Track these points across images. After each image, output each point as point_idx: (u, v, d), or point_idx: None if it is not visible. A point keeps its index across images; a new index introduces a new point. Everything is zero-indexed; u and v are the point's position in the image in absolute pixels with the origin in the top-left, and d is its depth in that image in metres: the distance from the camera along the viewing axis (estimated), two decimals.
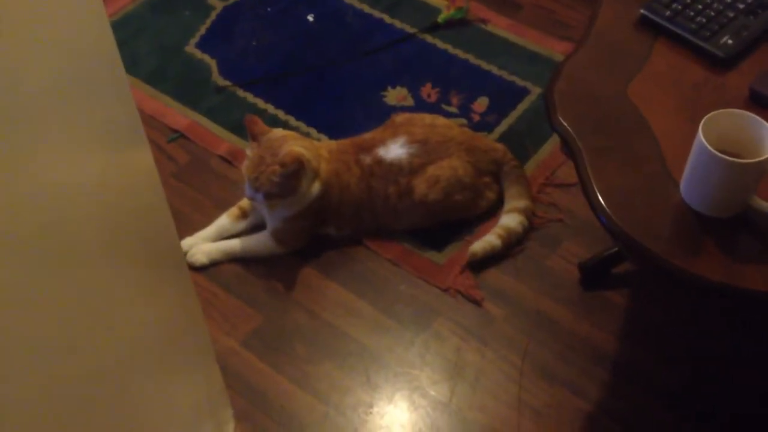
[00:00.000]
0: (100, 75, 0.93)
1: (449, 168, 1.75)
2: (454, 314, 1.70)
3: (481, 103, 2.04)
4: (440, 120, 1.86)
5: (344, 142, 1.81)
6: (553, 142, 1.94)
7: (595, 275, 1.73)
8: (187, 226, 1.82)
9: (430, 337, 1.67)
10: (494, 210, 1.83)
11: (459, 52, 2.16)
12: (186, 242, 1.78)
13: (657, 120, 1.18)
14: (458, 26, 2.22)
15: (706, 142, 1.02)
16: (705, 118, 1.04)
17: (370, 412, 1.58)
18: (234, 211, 1.81)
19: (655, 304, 1.71)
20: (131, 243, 1.05)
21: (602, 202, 1.10)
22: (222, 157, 1.96)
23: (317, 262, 1.78)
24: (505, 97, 2.06)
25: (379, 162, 1.75)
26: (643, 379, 1.60)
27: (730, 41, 1.24)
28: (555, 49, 2.15)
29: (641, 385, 1.59)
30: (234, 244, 1.78)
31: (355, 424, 1.56)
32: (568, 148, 1.19)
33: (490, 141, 1.90)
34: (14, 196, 0.74)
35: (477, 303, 1.71)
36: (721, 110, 1.05)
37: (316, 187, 1.70)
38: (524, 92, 2.06)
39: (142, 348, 1.12)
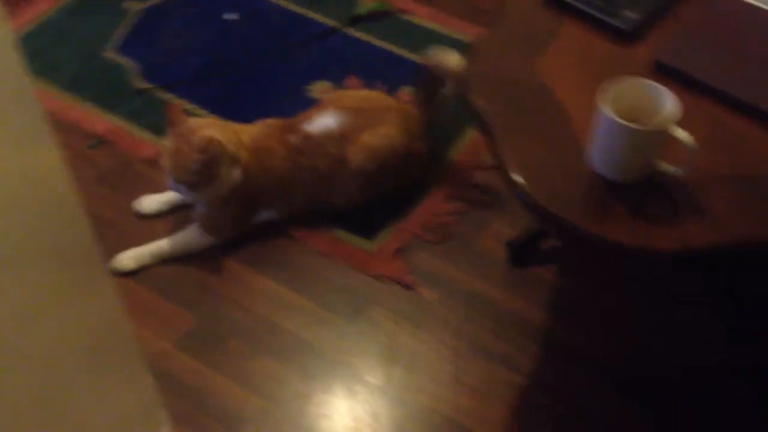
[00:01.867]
0: None
1: (384, 136, 1.75)
2: (388, 300, 1.72)
3: (406, 93, 2.06)
4: (375, 92, 1.86)
5: (269, 125, 1.79)
6: (473, 127, 1.97)
7: (523, 253, 1.76)
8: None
9: (365, 324, 1.69)
10: (424, 193, 1.86)
11: (382, 44, 2.18)
12: (146, 201, 1.83)
13: (566, 94, 1.21)
14: (380, 18, 2.24)
15: (605, 109, 1.05)
16: (602, 85, 1.07)
17: (309, 403, 1.58)
18: None
19: (581, 277, 1.75)
20: (40, 249, 1.03)
21: (516, 176, 1.13)
22: (147, 160, 1.94)
23: (248, 258, 1.78)
24: None
25: (307, 137, 1.75)
26: (573, 350, 1.64)
27: (633, 15, 1.28)
28: (474, 34, 2.18)
29: (572, 357, 1.63)
30: (162, 245, 1.76)
31: (295, 415, 1.57)
32: (481, 124, 1.21)
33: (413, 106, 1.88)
34: None
35: (409, 288, 1.73)
36: (618, 78, 1.09)
37: (236, 173, 1.69)
38: None
39: (61, 355, 1.10)
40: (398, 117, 1.80)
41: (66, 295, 1.12)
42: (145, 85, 2.08)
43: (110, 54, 2.16)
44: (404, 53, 2.15)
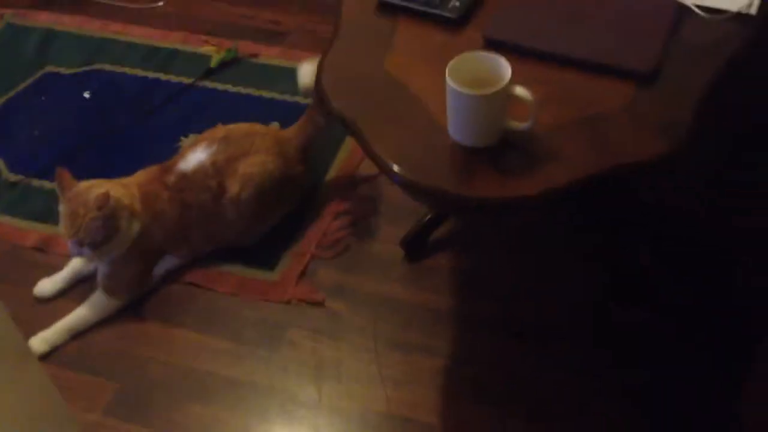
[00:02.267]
0: None
1: (259, 164, 1.82)
2: (302, 321, 1.78)
3: (273, 126, 2.14)
4: (241, 124, 1.93)
5: (149, 172, 1.84)
6: (347, 143, 2.08)
7: (415, 248, 1.86)
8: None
9: (286, 348, 1.74)
10: (314, 215, 1.94)
11: (239, 89, 2.26)
12: (44, 285, 1.83)
13: (415, 83, 1.32)
14: (232, 66, 2.33)
15: (453, 83, 1.17)
16: (449, 63, 1.19)
17: None
18: None
19: (472, 255, 1.87)
20: None
21: (389, 162, 1.23)
22: (34, 247, 1.94)
23: (156, 315, 1.81)
24: (293, 117, 2.15)
25: (183, 176, 1.80)
26: (481, 322, 1.74)
27: (457, 4, 1.41)
28: None
29: (482, 329, 1.74)
30: (69, 320, 1.77)
31: None
32: (348, 128, 1.31)
33: (291, 130, 1.96)
34: None
35: (319, 304, 1.80)
36: (460, 55, 1.21)
37: (135, 226, 1.73)
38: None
39: None
40: (269, 142, 1.87)
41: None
42: (15, 177, 2.09)
43: None
44: (263, 93, 2.25)
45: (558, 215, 1.87)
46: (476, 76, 1.20)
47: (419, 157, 1.24)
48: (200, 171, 1.80)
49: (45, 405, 1.32)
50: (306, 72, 1.89)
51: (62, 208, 1.71)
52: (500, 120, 1.22)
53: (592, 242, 1.83)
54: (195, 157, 1.82)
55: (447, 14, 1.40)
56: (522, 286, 1.80)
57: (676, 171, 1.81)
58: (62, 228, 1.70)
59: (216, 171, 1.80)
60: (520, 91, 1.18)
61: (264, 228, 1.89)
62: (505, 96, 1.19)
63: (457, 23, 1.41)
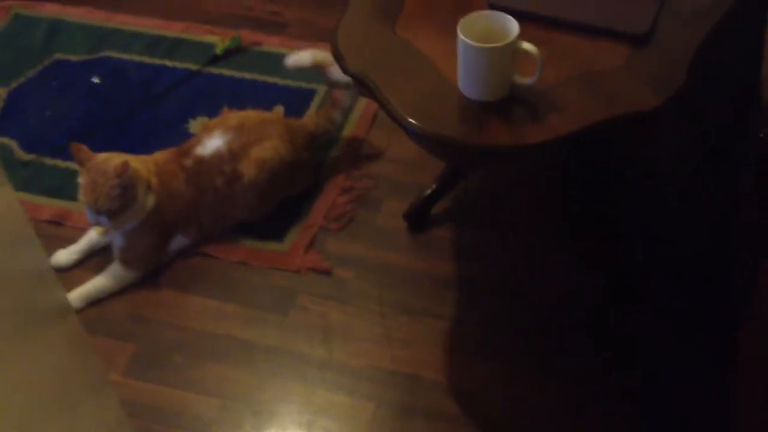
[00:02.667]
0: None
1: (272, 149, 1.90)
2: (311, 288, 1.85)
3: (278, 111, 2.22)
4: (254, 111, 2.02)
5: (167, 152, 1.92)
6: (350, 125, 2.16)
7: (418, 220, 1.95)
8: None
9: (296, 313, 1.81)
10: (320, 191, 2.01)
11: (244, 75, 2.34)
12: (61, 255, 1.88)
13: (425, 45, 1.42)
14: (236, 54, 2.40)
15: (464, 38, 1.26)
16: (460, 21, 1.28)
17: (263, 391, 1.69)
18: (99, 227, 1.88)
19: (471, 225, 1.95)
20: (9, 294, 1.10)
21: (403, 114, 1.31)
22: (50, 221, 2.01)
23: (172, 283, 1.88)
24: (296, 101, 2.26)
25: (200, 160, 1.88)
26: (482, 287, 1.83)
27: None
28: (326, 50, 2.38)
29: (484, 293, 1.82)
30: (87, 288, 1.83)
31: (252, 404, 1.67)
32: (363, 86, 1.39)
33: (300, 120, 2.07)
34: None
35: (328, 272, 1.87)
36: (471, 13, 1.30)
37: (150, 199, 1.81)
38: (312, 93, 2.27)
39: (39, 396, 1.17)
40: (281, 130, 1.96)
41: (32, 333, 1.19)
42: (29, 156, 2.15)
43: None
44: (267, 79, 2.33)
45: (556, 215, 1.94)
46: (485, 33, 1.29)
47: (432, 111, 1.33)
48: (216, 156, 1.89)
49: (81, 362, 1.38)
50: (302, 56, 1.98)
51: (81, 178, 1.78)
52: (508, 74, 1.31)
53: (591, 244, 1.88)
54: (212, 143, 1.90)
55: None
56: (520, 253, 1.88)
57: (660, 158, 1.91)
58: (81, 196, 1.77)
59: (231, 157, 1.89)
60: (527, 45, 1.28)
61: (269, 209, 1.97)
62: (513, 50, 1.28)
63: None
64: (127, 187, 1.74)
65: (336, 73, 1.91)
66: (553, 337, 1.73)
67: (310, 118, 2.06)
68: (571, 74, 1.36)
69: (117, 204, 1.74)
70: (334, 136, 2.12)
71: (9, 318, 1.13)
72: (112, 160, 1.77)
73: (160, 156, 1.91)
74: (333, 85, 2.05)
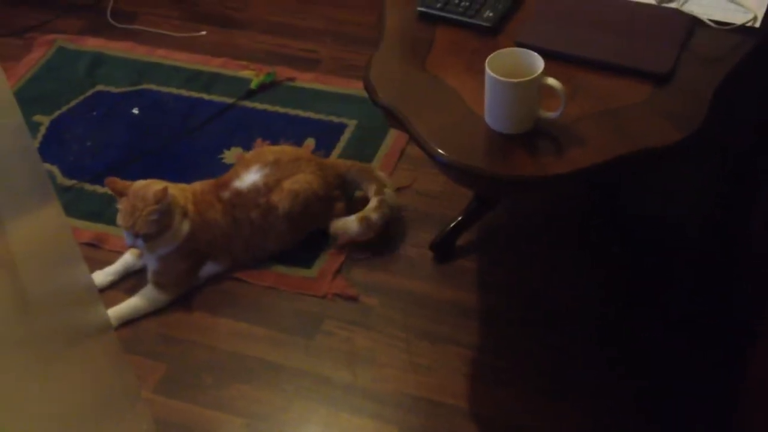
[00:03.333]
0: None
1: (304, 182, 1.97)
2: (337, 314, 1.91)
3: (309, 144, 2.30)
4: (288, 146, 2.10)
5: (205, 183, 2.00)
6: (378, 160, 2.23)
7: (444, 250, 2.00)
8: None
9: (322, 337, 1.86)
10: None
11: (277, 108, 2.43)
12: (95, 276, 1.93)
13: (453, 80, 1.48)
14: (270, 89, 2.49)
15: (491, 73, 1.32)
16: (488, 57, 1.35)
17: (289, 412, 1.73)
18: (136, 249, 1.96)
19: (494, 257, 2.00)
20: (55, 313, 1.16)
21: (432, 144, 1.37)
22: (88, 244, 2.08)
23: (203, 306, 1.94)
24: (327, 134, 2.33)
25: (238, 193, 1.96)
26: (504, 317, 1.87)
27: (491, 14, 1.58)
28: (357, 87, 2.45)
29: (506, 322, 1.86)
30: (121, 309, 1.90)
31: (278, 424, 1.71)
32: (393, 118, 1.46)
33: (331, 160, 2.16)
34: None
35: (354, 299, 1.93)
36: (498, 50, 1.37)
37: (186, 225, 1.88)
38: (343, 127, 2.35)
39: (79, 407, 1.22)
40: (314, 166, 2.03)
41: (77, 347, 1.24)
42: (70, 182, 2.24)
43: None
44: (299, 113, 2.41)
45: (575, 245, 2.00)
46: (512, 69, 1.36)
47: (459, 142, 1.39)
48: (253, 190, 1.96)
49: (118, 377, 1.43)
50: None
51: (120, 204, 1.86)
52: (532, 108, 1.37)
53: (609, 272, 1.94)
54: (249, 177, 1.98)
55: (482, 23, 1.57)
56: (542, 288, 1.93)
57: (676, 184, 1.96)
58: (120, 220, 1.84)
59: (266, 190, 1.96)
60: (551, 81, 1.34)
61: (299, 239, 2.03)
62: (538, 85, 1.34)
63: (491, 31, 1.57)
64: (164, 213, 1.82)
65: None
66: (569, 361, 1.76)
67: (341, 160, 2.14)
68: (593, 110, 1.42)
69: (154, 228, 1.81)
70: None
71: (58, 332, 1.18)
72: (151, 186, 1.85)
73: (198, 186, 1.99)
74: None
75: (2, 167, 1.06)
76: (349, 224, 1.99)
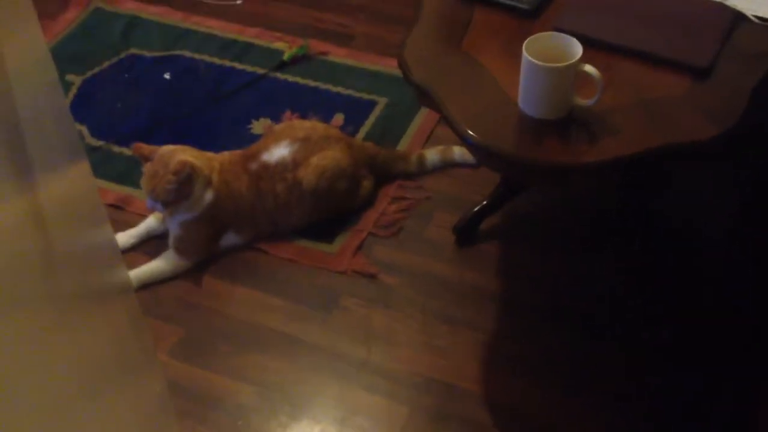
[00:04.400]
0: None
1: (332, 158, 1.96)
2: (356, 290, 1.90)
3: (338, 119, 2.29)
4: (319, 123, 2.10)
5: (234, 154, 2.00)
6: (406, 140, 2.22)
7: (467, 234, 1.99)
8: None
9: (339, 312, 1.86)
10: (372, 200, 2.07)
11: (308, 82, 2.42)
12: (118, 237, 1.95)
13: (489, 62, 1.46)
14: (303, 61, 2.48)
15: (528, 56, 1.31)
16: (526, 40, 1.33)
17: (301, 384, 1.74)
18: (159, 213, 1.97)
19: (518, 244, 1.98)
20: (80, 271, 1.17)
21: (464, 126, 1.36)
22: (112, 205, 2.09)
23: (222, 273, 1.94)
24: (357, 111, 2.32)
25: (265, 166, 1.95)
26: (525, 304, 1.86)
27: None
28: (389, 65, 2.43)
29: (525, 310, 1.85)
30: (141, 271, 1.91)
31: (290, 396, 1.72)
32: (425, 97, 1.45)
33: (362, 141, 2.14)
34: None
35: (373, 276, 1.92)
36: (538, 34, 1.35)
37: (209, 194, 1.88)
38: (373, 104, 2.34)
39: (96, 364, 1.23)
40: (344, 145, 2.02)
41: (98, 305, 1.25)
42: (97, 142, 2.25)
43: None
44: (330, 87, 2.40)
45: (603, 243, 1.97)
46: (549, 54, 1.34)
47: (491, 125, 1.38)
48: (281, 164, 1.95)
49: (136, 338, 1.44)
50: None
51: (145, 168, 1.86)
52: (568, 95, 1.35)
53: (634, 275, 1.91)
54: (278, 151, 1.97)
55: (521, 5, 1.55)
56: (564, 277, 1.91)
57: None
58: (143, 183, 1.86)
59: (294, 165, 1.95)
60: (588, 68, 1.32)
61: (322, 218, 2.02)
62: (575, 71, 1.32)
63: (530, 14, 1.55)
64: (183, 183, 1.82)
65: (459, 155, 2.09)
66: (586, 355, 1.75)
67: (372, 144, 2.13)
68: (629, 100, 1.40)
69: (172, 196, 1.83)
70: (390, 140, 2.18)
71: (80, 290, 1.19)
72: (176, 154, 1.85)
73: (227, 156, 1.99)
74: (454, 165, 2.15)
75: (36, 123, 1.06)
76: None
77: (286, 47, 2.51)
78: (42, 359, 1.03)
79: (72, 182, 1.20)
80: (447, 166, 2.12)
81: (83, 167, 1.23)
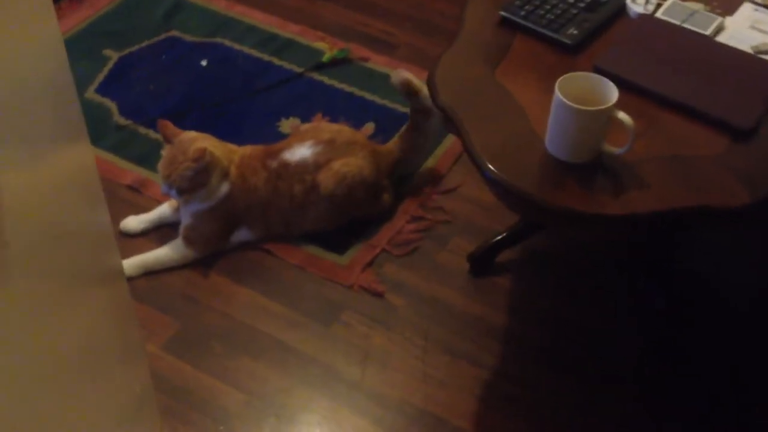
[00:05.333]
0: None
1: (355, 165, 1.91)
2: (360, 306, 1.85)
3: (368, 128, 2.24)
4: (346, 127, 2.05)
5: (255, 148, 1.96)
6: (434, 157, 2.16)
7: (482, 264, 1.92)
8: None
9: (339, 327, 1.81)
10: (390, 215, 2.02)
11: (344, 86, 2.37)
12: (130, 222, 1.94)
13: (521, 94, 1.41)
14: (341, 65, 2.44)
15: (560, 95, 1.24)
16: (560, 78, 1.27)
17: (290, 396, 1.69)
18: (174, 201, 1.95)
19: (531, 282, 1.92)
20: (71, 253, 1.14)
21: (483, 157, 1.30)
22: (130, 187, 2.07)
23: (226, 270, 1.91)
24: (388, 122, 2.27)
25: (285, 165, 1.91)
26: (530, 346, 1.79)
27: (575, 31, 1.49)
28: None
29: (529, 351, 1.78)
30: (146, 257, 1.88)
31: (277, 407, 1.67)
32: (450, 122, 1.39)
33: (387, 147, 2.08)
34: None
35: (379, 295, 1.87)
36: (572, 73, 1.29)
37: (225, 186, 1.85)
38: (406, 117, 2.27)
39: (75, 350, 1.19)
40: (368, 152, 1.97)
41: (82, 290, 1.22)
42: (125, 122, 2.23)
43: (91, 95, 2.30)
44: (365, 95, 2.35)
45: (625, 274, 1.91)
46: (582, 96, 1.27)
47: (513, 160, 1.32)
48: (301, 165, 1.91)
49: (121, 325, 1.41)
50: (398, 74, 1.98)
51: (165, 151, 1.84)
52: (598, 140, 1.29)
53: (651, 310, 1.85)
54: (300, 151, 1.92)
55: (564, 39, 1.49)
56: (577, 324, 1.84)
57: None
58: (159, 167, 1.83)
59: (315, 168, 1.91)
60: (622, 115, 1.25)
61: (337, 225, 1.98)
62: (607, 117, 1.26)
63: (571, 49, 1.49)
64: (200, 171, 1.79)
65: (425, 100, 1.93)
66: (584, 404, 1.68)
67: (395, 144, 2.07)
68: (662, 153, 1.33)
69: (187, 184, 1.79)
70: (417, 163, 2.12)
71: (65, 271, 1.16)
72: (196, 141, 1.82)
73: (248, 150, 1.95)
74: (417, 111, 2.04)
75: (41, 99, 1.03)
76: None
77: (327, 48, 2.47)
78: (20, 339, 1.00)
79: (72, 161, 1.17)
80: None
81: (84, 146, 1.20)
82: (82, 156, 1.19)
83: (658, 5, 1.56)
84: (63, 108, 1.12)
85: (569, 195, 1.27)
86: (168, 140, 1.85)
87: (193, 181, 1.79)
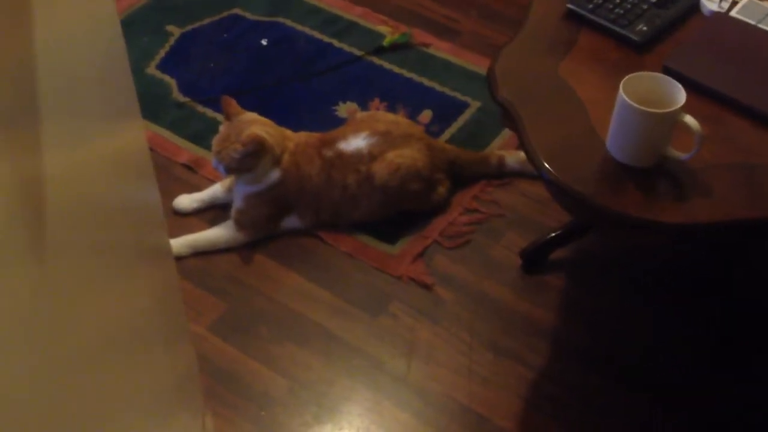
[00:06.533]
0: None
1: (410, 157, 1.89)
2: (408, 298, 1.83)
3: (426, 115, 2.20)
4: (403, 118, 2.02)
5: (311, 136, 1.94)
6: (491, 148, 2.12)
7: (534, 261, 1.88)
8: None
9: (386, 318, 1.79)
10: (444, 207, 1.98)
11: (404, 71, 2.34)
12: (183, 200, 1.96)
13: (584, 91, 1.36)
14: (402, 50, 2.40)
15: (624, 96, 1.19)
16: (625, 78, 1.21)
17: (333, 386, 1.68)
18: (227, 182, 1.95)
19: (583, 283, 1.87)
20: (121, 230, 1.14)
21: (540, 156, 1.26)
22: (185, 165, 2.07)
23: (276, 255, 1.90)
24: (447, 110, 2.23)
25: (340, 154, 1.89)
26: (576, 348, 1.75)
27: (645, 28, 1.43)
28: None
29: (575, 353, 1.74)
30: (196, 237, 1.89)
31: (319, 396, 1.66)
32: (509, 117, 1.35)
33: (444, 143, 2.06)
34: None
35: (428, 287, 1.84)
36: (638, 72, 1.23)
37: (275, 173, 1.84)
38: (465, 105, 2.24)
39: (127, 331, 1.20)
40: (424, 145, 1.94)
41: (139, 275, 1.22)
42: (184, 99, 2.24)
43: (152, 71, 2.31)
44: (425, 81, 2.31)
45: (684, 280, 1.84)
46: (648, 97, 1.22)
47: (571, 161, 1.27)
48: (356, 155, 1.89)
49: (167, 304, 1.41)
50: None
51: (222, 127, 1.85)
52: (662, 144, 1.23)
53: (711, 311, 1.79)
54: (356, 142, 1.90)
55: (632, 36, 1.43)
56: (626, 330, 1.78)
57: None
58: (214, 141, 1.85)
59: (370, 158, 1.89)
60: (689, 119, 1.20)
61: (386, 217, 1.95)
62: (674, 120, 1.20)
63: (639, 46, 1.43)
64: (249, 155, 1.79)
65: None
66: (627, 412, 1.63)
67: (453, 146, 2.04)
68: (729, 160, 1.27)
69: (235, 165, 1.81)
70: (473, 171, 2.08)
71: (113, 247, 1.16)
72: (253, 125, 1.82)
73: (303, 137, 1.94)
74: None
75: (92, 73, 1.02)
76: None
77: (389, 32, 2.43)
78: (67, 312, 1.00)
79: (125, 140, 1.17)
80: (524, 174, 2.01)
81: (137, 124, 1.20)
82: (134, 133, 1.19)
83: (733, 3, 1.48)
84: (115, 84, 1.11)
85: (628, 201, 1.22)
86: (228, 117, 1.86)
87: (240, 162, 1.79)
